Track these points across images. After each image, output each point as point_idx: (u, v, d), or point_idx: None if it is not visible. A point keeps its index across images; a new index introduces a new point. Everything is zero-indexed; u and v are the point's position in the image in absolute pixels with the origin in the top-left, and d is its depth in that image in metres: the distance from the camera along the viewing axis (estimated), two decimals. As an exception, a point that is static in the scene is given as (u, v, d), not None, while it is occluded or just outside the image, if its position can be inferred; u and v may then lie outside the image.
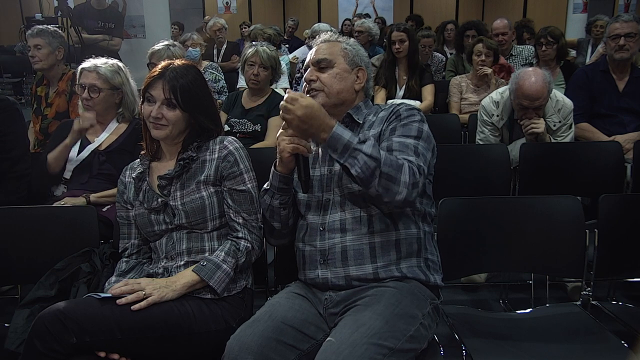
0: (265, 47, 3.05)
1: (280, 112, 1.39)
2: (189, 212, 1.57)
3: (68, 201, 2.16)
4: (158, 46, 3.31)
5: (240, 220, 1.59)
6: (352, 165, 1.34)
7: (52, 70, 3.04)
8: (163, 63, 1.61)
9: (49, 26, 3.06)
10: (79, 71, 2.29)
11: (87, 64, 2.28)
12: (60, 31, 3.11)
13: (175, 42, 3.48)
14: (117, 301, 1.40)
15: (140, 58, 3.27)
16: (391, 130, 1.51)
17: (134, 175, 1.68)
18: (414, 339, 1.34)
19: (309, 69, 1.62)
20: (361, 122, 1.59)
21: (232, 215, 1.60)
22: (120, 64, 2.35)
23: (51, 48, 2.99)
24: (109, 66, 2.28)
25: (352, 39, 1.70)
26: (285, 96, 1.37)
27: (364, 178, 1.34)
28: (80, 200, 2.17)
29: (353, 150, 1.34)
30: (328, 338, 1.30)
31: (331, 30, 5.04)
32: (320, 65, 1.60)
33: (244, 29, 6.92)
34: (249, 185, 1.61)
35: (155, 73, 1.57)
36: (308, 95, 1.56)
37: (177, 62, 1.62)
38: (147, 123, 1.60)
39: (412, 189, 1.38)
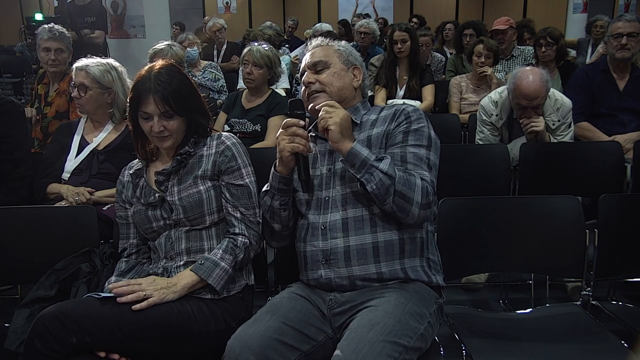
0: (259, 47, 3.02)
1: (320, 114, 1.46)
2: (186, 206, 1.57)
3: (68, 192, 2.14)
4: (160, 46, 3.28)
5: (238, 215, 1.59)
6: (368, 181, 1.41)
7: (63, 72, 3.02)
8: (142, 71, 1.58)
9: (55, 26, 3.01)
10: (73, 70, 2.29)
11: (79, 63, 2.27)
12: (66, 32, 3.08)
13: (175, 43, 3.47)
14: (118, 299, 1.40)
15: (141, 58, 3.26)
16: (403, 133, 1.51)
17: (131, 172, 1.69)
18: (423, 337, 1.35)
19: (305, 73, 1.63)
20: (358, 122, 1.60)
21: (230, 209, 1.60)
22: (115, 64, 2.32)
23: (68, 52, 2.99)
24: (99, 65, 2.26)
25: (343, 42, 1.72)
26: (326, 102, 1.48)
27: (379, 194, 1.40)
28: (80, 190, 2.15)
29: (370, 167, 1.41)
30: (342, 339, 1.29)
31: (331, 31, 5.07)
32: (317, 67, 1.61)
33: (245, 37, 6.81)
34: (247, 180, 1.61)
35: (140, 83, 1.55)
36: (311, 97, 1.59)
37: (157, 66, 1.59)
38: (150, 138, 1.61)
39: (424, 209, 1.43)
